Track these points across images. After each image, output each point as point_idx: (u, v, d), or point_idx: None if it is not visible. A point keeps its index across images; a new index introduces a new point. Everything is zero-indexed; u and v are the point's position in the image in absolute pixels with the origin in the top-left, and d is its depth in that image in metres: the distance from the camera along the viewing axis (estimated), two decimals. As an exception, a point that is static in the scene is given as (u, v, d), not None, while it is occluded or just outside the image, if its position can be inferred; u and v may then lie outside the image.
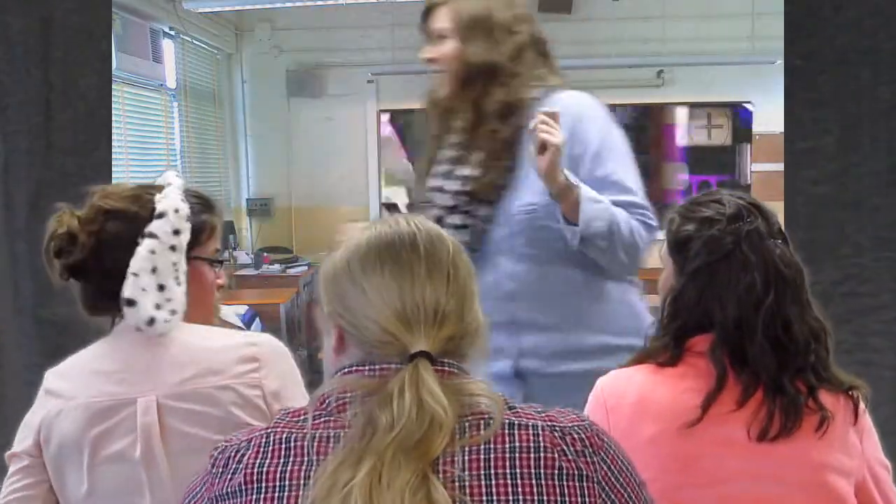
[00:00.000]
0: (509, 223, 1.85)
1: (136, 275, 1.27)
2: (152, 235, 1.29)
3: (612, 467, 0.88)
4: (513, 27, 1.88)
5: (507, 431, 0.87)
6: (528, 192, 1.82)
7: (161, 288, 1.28)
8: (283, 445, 0.89)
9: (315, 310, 1.04)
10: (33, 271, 1.83)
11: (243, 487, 0.87)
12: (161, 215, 1.30)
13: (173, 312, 1.29)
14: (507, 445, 0.86)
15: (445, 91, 1.91)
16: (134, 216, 1.31)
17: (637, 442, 1.18)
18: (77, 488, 1.25)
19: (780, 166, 1.94)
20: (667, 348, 1.28)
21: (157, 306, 1.28)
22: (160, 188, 1.36)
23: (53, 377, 1.33)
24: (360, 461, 0.82)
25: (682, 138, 7.66)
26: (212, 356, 1.28)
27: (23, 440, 1.30)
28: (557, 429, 0.88)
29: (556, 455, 0.86)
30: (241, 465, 0.89)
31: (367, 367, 0.93)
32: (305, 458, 0.87)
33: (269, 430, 0.92)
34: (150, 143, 6.23)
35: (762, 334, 1.22)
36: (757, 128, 7.26)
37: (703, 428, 1.20)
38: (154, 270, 1.28)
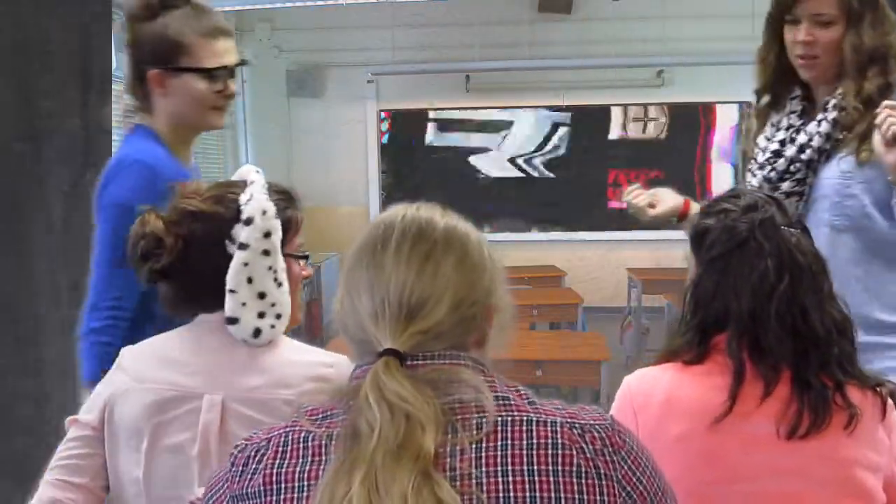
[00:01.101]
0: (821, 188, 1.87)
1: (233, 291, 1.27)
2: (243, 246, 1.27)
3: (634, 467, 0.87)
4: (884, 4, 1.81)
5: (524, 428, 0.85)
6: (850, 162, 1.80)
7: (262, 296, 1.28)
8: (301, 445, 0.88)
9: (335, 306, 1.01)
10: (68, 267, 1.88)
11: (263, 489, 0.87)
12: (249, 221, 1.28)
13: (279, 317, 1.30)
14: (525, 442, 0.84)
15: (812, 74, 1.84)
16: (217, 217, 1.30)
17: (665, 441, 1.18)
18: (131, 471, 1.26)
19: (781, 166, 1.95)
20: (690, 345, 1.29)
21: (261, 315, 1.28)
22: (240, 185, 1.34)
23: (129, 355, 1.33)
24: (352, 471, 0.80)
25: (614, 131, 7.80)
26: (286, 369, 1.27)
27: (89, 411, 1.30)
28: (577, 426, 0.86)
29: (574, 452, 0.84)
30: (260, 466, 0.88)
31: (359, 370, 0.91)
32: (323, 458, 0.86)
33: (287, 430, 0.90)
34: (150, 144, 6.23)
35: (776, 322, 1.22)
36: (757, 128, 7.27)
37: (729, 425, 1.20)
38: (250, 280, 1.27)
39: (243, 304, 1.27)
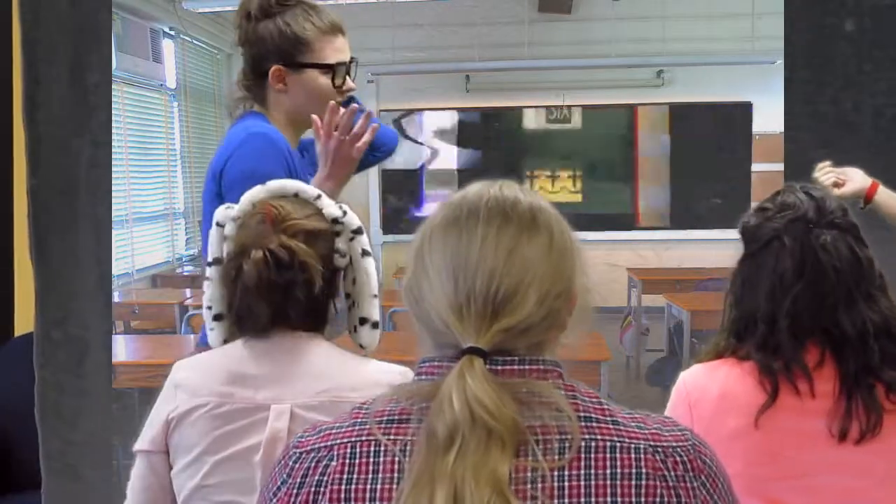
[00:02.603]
0: None
1: (375, 296, 1.33)
2: (367, 253, 1.32)
3: (712, 490, 0.86)
4: None
5: (608, 455, 0.82)
6: None
7: (374, 296, 1.34)
8: (372, 459, 0.83)
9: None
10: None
11: None
12: (360, 230, 1.31)
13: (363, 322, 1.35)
14: (609, 471, 0.82)
15: None
16: (330, 233, 1.30)
17: (720, 436, 1.18)
18: (188, 480, 1.24)
19: (780, 166, 1.95)
20: (728, 344, 1.30)
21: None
22: (302, 197, 1.33)
23: (186, 371, 1.30)
24: (433, 485, 0.77)
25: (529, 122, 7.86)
26: (353, 372, 1.27)
27: (151, 435, 1.28)
28: (660, 450, 0.84)
29: (658, 482, 0.82)
30: (325, 479, 0.83)
31: (427, 365, 0.86)
32: (396, 476, 0.81)
33: (354, 439, 0.85)
34: (150, 143, 6.24)
35: (788, 321, 1.23)
36: (757, 128, 7.27)
37: (781, 421, 1.21)
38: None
39: (373, 307, 1.33)
